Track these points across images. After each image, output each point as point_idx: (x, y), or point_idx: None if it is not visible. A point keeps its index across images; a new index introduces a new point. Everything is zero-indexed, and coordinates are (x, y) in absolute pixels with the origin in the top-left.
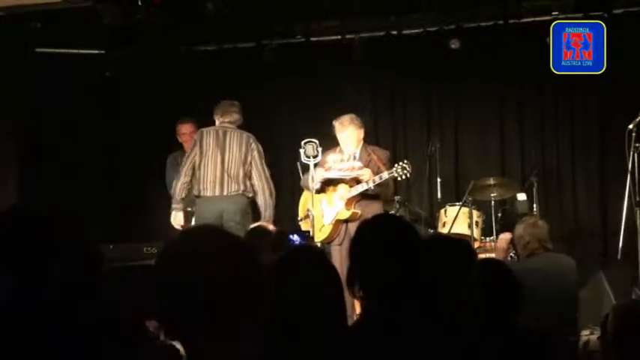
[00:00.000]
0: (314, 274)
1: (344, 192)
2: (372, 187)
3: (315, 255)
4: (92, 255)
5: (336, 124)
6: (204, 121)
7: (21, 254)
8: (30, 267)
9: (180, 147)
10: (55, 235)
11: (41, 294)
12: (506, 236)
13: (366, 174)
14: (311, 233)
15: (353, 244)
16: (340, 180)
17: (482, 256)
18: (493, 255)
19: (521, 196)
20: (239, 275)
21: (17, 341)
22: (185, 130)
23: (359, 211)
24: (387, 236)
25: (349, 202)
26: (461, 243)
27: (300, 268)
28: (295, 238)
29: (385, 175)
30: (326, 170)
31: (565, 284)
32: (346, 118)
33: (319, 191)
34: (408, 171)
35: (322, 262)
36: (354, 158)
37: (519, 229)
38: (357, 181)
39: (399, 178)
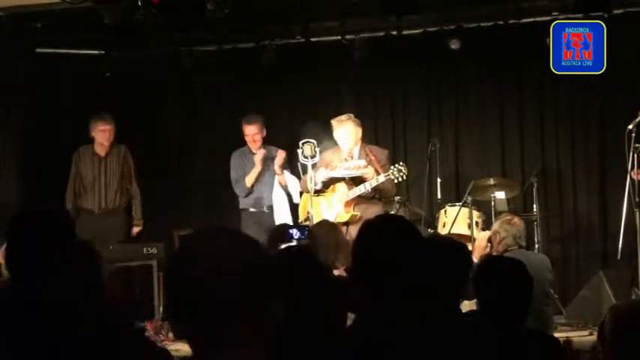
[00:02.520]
0: (301, 275)
1: (342, 194)
2: (370, 190)
3: (301, 255)
4: (92, 255)
5: (334, 121)
6: (204, 121)
7: (44, 253)
8: (53, 266)
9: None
10: (72, 236)
11: (55, 293)
12: (484, 235)
13: (370, 173)
14: None
15: (354, 245)
16: (339, 180)
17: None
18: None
19: (500, 195)
20: (251, 276)
21: (27, 338)
22: (248, 131)
23: (358, 213)
24: (389, 237)
25: (348, 205)
26: (457, 245)
27: (286, 268)
28: (294, 232)
29: (382, 177)
30: (331, 169)
31: (538, 283)
32: (344, 116)
33: (319, 192)
34: (404, 173)
35: (310, 262)
36: (352, 157)
37: (496, 225)
38: (356, 182)
39: (395, 180)
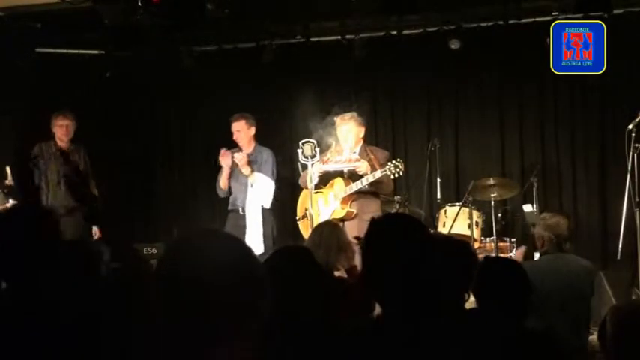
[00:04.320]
0: (298, 273)
1: (339, 191)
2: (367, 186)
3: (299, 254)
4: (90, 255)
5: (337, 118)
6: (205, 120)
7: (26, 252)
8: (35, 265)
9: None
10: (56, 234)
11: (43, 292)
12: (521, 250)
13: (363, 167)
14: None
15: (365, 245)
16: (337, 176)
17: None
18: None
19: (528, 208)
20: (239, 277)
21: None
22: (233, 128)
23: (354, 210)
24: (397, 236)
25: (344, 201)
26: (462, 244)
27: (284, 267)
28: None
29: (378, 173)
30: (323, 164)
31: (576, 287)
32: (348, 114)
33: (317, 187)
34: (400, 169)
35: (308, 262)
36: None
37: (539, 227)
38: (354, 179)
39: (391, 176)
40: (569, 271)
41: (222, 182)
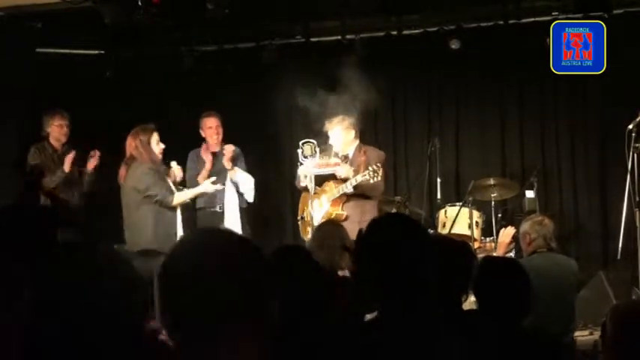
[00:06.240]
0: (296, 273)
1: (330, 193)
2: (351, 190)
3: (297, 253)
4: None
5: (327, 122)
6: None
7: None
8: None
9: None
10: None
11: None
12: (509, 231)
13: (342, 170)
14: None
15: (360, 245)
16: (330, 178)
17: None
18: (494, 254)
19: (530, 194)
20: (249, 276)
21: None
22: (211, 123)
23: (345, 212)
24: (396, 236)
25: (334, 204)
26: (461, 244)
27: (282, 266)
28: None
29: (359, 177)
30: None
31: (565, 286)
32: (336, 118)
33: (305, 189)
34: (378, 174)
35: (306, 261)
36: (348, 157)
37: (525, 225)
38: (345, 182)
39: (370, 180)
40: (559, 270)
41: (204, 179)
